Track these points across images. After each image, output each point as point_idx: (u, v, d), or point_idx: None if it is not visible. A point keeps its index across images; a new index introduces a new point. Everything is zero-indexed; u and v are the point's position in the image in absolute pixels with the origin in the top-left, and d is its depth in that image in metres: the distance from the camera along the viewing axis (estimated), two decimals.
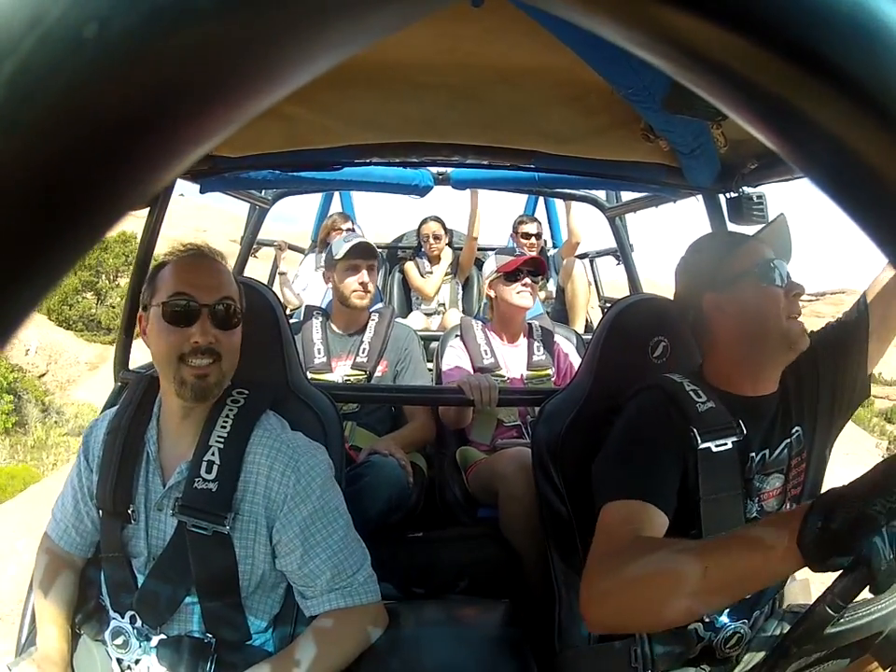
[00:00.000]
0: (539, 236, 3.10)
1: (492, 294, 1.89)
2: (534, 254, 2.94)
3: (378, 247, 3.68)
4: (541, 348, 1.89)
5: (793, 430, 1.00)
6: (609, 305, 2.80)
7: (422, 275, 3.17)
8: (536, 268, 1.84)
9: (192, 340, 0.91)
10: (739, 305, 0.96)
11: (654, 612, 0.69)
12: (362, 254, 1.82)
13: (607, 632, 0.79)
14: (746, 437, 0.95)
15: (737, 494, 0.94)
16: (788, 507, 1.00)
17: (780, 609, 1.11)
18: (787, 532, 0.57)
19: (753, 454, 0.96)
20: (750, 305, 0.95)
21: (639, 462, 0.91)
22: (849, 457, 4.23)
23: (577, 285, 2.93)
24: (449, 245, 3.20)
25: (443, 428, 1.79)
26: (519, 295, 1.81)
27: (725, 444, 0.93)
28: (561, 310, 3.03)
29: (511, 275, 1.82)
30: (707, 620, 0.97)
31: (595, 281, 3.49)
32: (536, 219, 3.19)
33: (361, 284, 1.80)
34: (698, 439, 0.92)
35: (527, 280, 1.82)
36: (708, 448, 0.92)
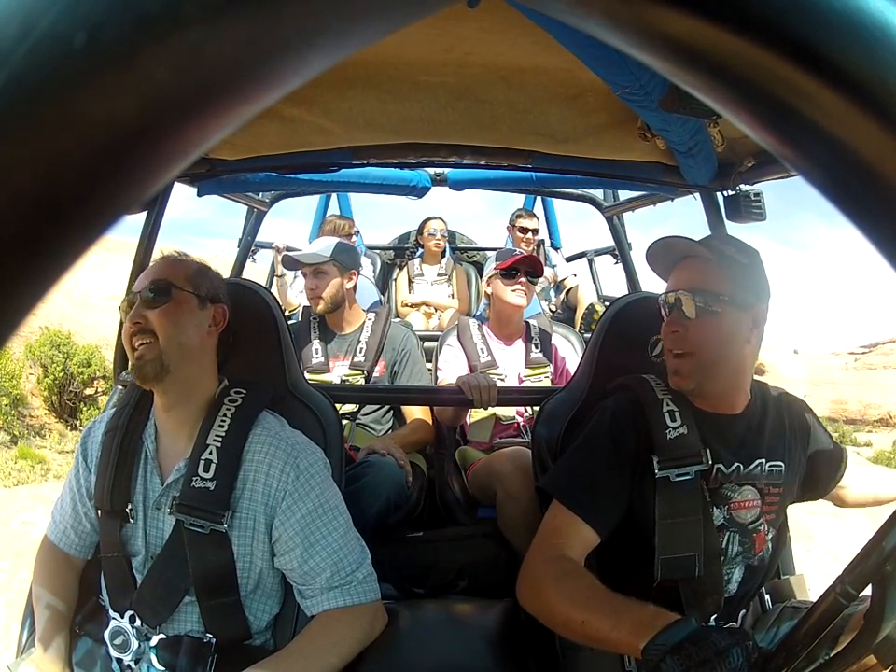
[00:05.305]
0: (535, 232, 3.10)
1: (489, 291, 1.90)
2: (530, 251, 2.97)
3: (378, 249, 3.71)
4: (539, 346, 1.89)
5: (775, 463, 1.03)
6: (608, 304, 2.80)
7: (412, 279, 3.18)
8: (533, 268, 1.85)
9: (127, 325, 0.95)
10: None
11: (566, 630, 0.85)
12: (304, 259, 1.85)
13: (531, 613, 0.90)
14: (712, 464, 0.97)
15: (696, 519, 0.96)
16: (764, 528, 1.02)
17: (778, 606, 1.11)
18: (643, 639, 0.71)
19: (722, 465, 0.98)
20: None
21: (590, 476, 0.97)
22: None
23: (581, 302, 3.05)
24: (442, 252, 3.21)
25: (443, 428, 1.79)
26: (514, 293, 1.82)
27: (687, 474, 0.96)
28: (567, 314, 3.10)
29: (508, 274, 1.83)
30: None
31: (594, 280, 3.49)
32: (534, 215, 3.17)
33: (309, 289, 1.83)
34: (656, 467, 0.96)
35: (524, 279, 1.82)
36: (667, 477, 0.96)
